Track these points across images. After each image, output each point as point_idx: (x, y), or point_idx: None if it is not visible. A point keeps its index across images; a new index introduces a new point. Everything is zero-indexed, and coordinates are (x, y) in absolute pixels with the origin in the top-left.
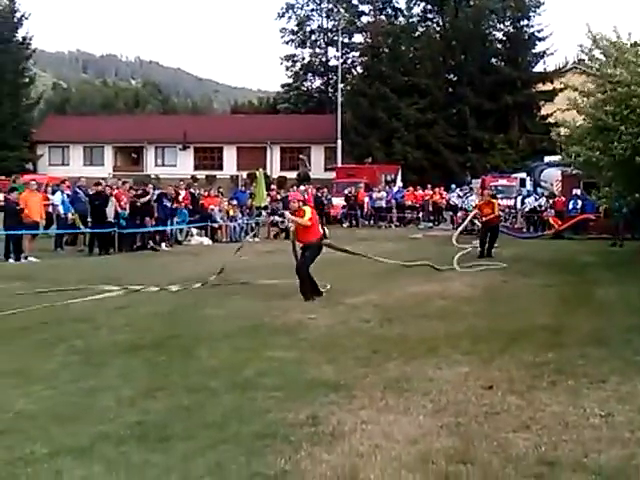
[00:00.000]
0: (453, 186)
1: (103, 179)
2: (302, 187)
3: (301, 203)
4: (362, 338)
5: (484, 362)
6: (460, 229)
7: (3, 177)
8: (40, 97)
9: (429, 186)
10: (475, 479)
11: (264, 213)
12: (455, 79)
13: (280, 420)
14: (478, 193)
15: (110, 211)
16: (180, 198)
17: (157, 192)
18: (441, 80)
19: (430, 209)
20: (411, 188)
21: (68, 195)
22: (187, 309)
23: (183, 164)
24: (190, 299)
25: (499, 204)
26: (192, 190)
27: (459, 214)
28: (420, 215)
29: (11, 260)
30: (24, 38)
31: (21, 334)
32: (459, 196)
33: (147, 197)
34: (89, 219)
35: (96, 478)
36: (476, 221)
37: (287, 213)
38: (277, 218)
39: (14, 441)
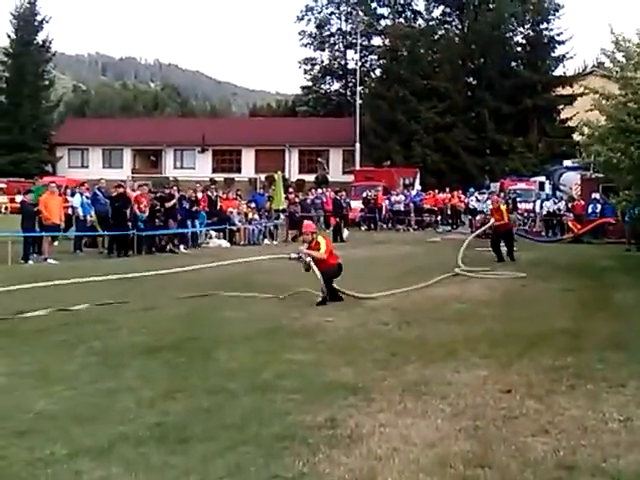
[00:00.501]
0: (472, 189)
1: (123, 181)
2: (320, 190)
3: (315, 235)
4: (380, 341)
5: (503, 366)
6: (468, 241)
7: (22, 179)
8: (60, 100)
9: (447, 189)
10: None
11: (282, 216)
12: (474, 82)
13: (299, 422)
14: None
15: (127, 213)
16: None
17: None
18: (460, 83)
19: (449, 212)
20: (432, 192)
21: (87, 197)
22: (206, 311)
23: (202, 167)
24: (208, 301)
25: (519, 208)
26: (209, 193)
27: (478, 217)
28: (438, 218)
29: (31, 262)
30: (44, 41)
31: (41, 335)
32: (477, 200)
33: (173, 201)
34: (111, 221)
35: (115, 479)
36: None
37: (302, 249)
38: (293, 255)
39: (34, 442)
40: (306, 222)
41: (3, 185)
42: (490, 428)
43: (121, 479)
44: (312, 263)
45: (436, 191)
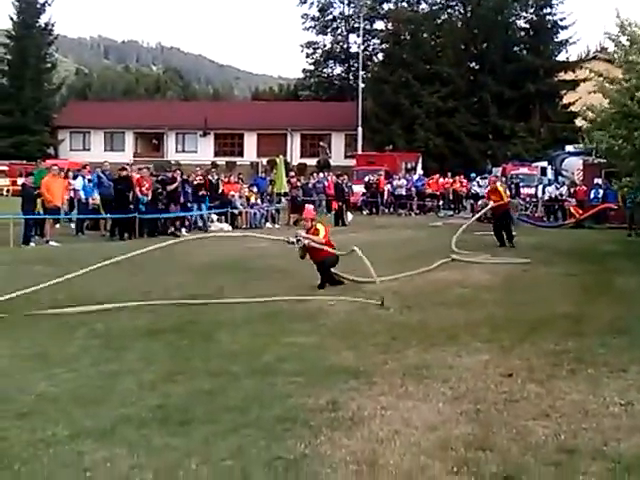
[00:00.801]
0: (473, 175)
1: (129, 164)
2: (322, 174)
3: (314, 221)
4: (381, 325)
5: (504, 350)
6: (466, 226)
7: (24, 162)
8: (62, 82)
9: (449, 174)
10: (494, 466)
11: (284, 200)
12: (477, 67)
13: (300, 405)
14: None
15: (130, 196)
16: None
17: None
18: (463, 68)
19: (450, 197)
20: (434, 177)
21: (89, 180)
22: (207, 294)
23: (203, 150)
24: (217, 281)
25: (522, 193)
26: (210, 177)
27: (480, 202)
28: (440, 203)
29: (32, 244)
30: (46, 24)
31: (42, 317)
32: (479, 185)
33: (175, 184)
34: (113, 204)
35: (117, 460)
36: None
37: (301, 232)
38: (292, 239)
39: (36, 423)
40: (306, 208)
41: (5, 168)
42: (491, 412)
43: (124, 460)
44: (312, 243)
45: (437, 176)
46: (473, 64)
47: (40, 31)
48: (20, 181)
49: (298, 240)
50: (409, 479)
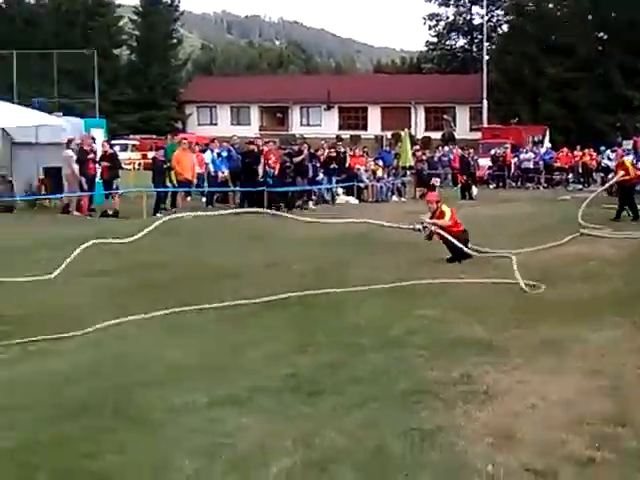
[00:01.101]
0: (603, 148)
1: (259, 138)
2: (447, 148)
3: (439, 203)
4: (511, 299)
5: (638, 326)
6: (590, 199)
7: (154, 136)
8: (188, 58)
9: (578, 147)
10: (635, 442)
11: (409, 173)
12: (604, 37)
13: (431, 378)
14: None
15: (258, 170)
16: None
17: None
18: (589, 38)
19: (580, 171)
20: (564, 149)
21: (218, 154)
22: (332, 268)
23: (328, 124)
24: (335, 257)
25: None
26: (338, 149)
27: (610, 176)
28: (569, 177)
29: (159, 214)
30: (172, 0)
31: (170, 289)
32: (609, 158)
33: (301, 156)
34: (242, 177)
35: (255, 427)
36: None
37: (425, 218)
38: (417, 226)
39: (172, 391)
40: (429, 193)
41: (136, 142)
42: (629, 387)
43: (261, 427)
44: (439, 230)
45: (566, 149)
46: (599, 34)
47: (166, 7)
48: (150, 155)
49: (424, 227)
50: (548, 453)
